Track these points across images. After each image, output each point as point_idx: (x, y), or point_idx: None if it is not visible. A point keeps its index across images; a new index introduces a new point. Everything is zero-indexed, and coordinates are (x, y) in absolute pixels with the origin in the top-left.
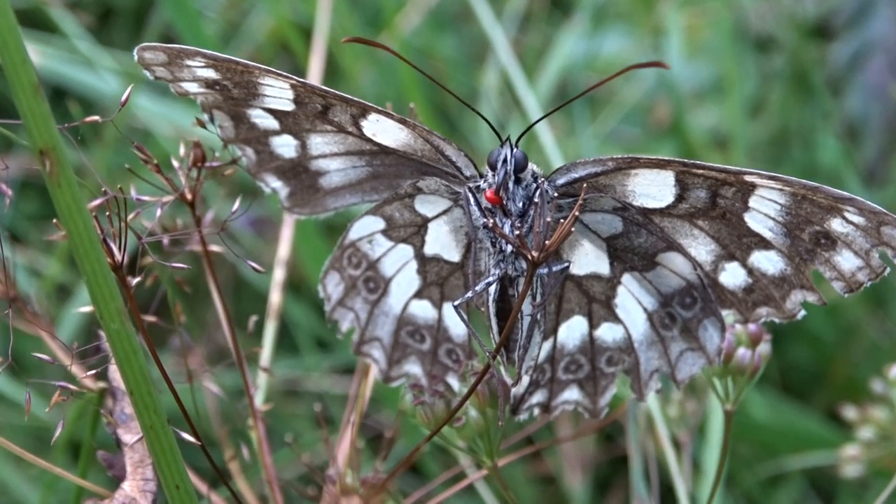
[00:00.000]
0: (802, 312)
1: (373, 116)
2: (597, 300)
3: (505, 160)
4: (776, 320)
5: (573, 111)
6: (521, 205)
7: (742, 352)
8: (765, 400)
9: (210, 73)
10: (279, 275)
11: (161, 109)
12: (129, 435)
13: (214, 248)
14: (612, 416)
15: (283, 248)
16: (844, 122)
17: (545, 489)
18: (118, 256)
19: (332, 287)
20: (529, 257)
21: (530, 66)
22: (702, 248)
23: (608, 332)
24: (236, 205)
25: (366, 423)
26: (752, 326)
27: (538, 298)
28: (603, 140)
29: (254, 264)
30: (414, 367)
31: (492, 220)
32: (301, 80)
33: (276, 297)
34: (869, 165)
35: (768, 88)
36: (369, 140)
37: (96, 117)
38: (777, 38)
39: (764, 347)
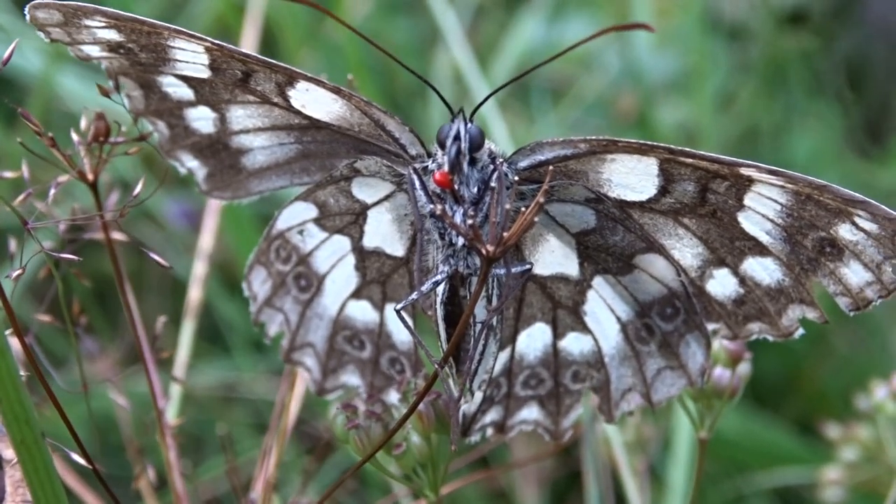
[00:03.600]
0: (800, 331)
1: (301, 85)
2: (563, 306)
3: (457, 136)
4: (770, 338)
5: (531, 101)
6: (475, 190)
7: (719, 372)
8: (733, 411)
9: (112, 35)
10: (200, 269)
11: (89, 92)
12: (11, 451)
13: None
14: (572, 437)
15: (206, 239)
16: (840, 67)
17: None
18: None
19: (259, 284)
20: (484, 252)
21: (487, 57)
22: (687, 250)
23: (575, 344)
24: (139, 187)
25: (304, 429)
26: (731, 344)
27: (494, 301)
28: (564, 132)
29: (157, 257)
30: (352, 378)
31: (440, 208)
32: (217, 41)
33: (195, 294)
34: (871, 120)
35: (740, 80)
36: (298, 113)
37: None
38: (750, 26)
39: (744, 368)
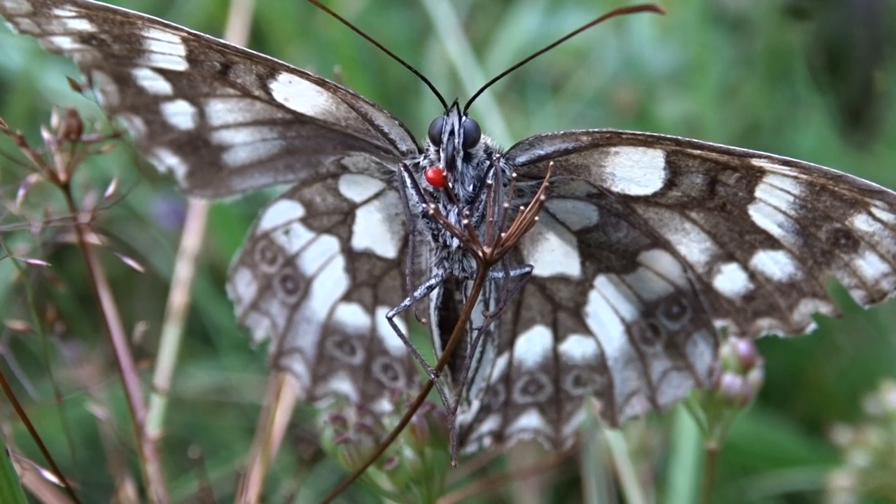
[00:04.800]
0: (812, 326)
1: (284, 77)
2: (563, 308)
3: (452, 131)
4: (780, 334)
5: (528, 94)
6: (470, 188)
7: (730, 379)
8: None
9: (84, 25)
10: (184, 271)
11: (72, 92)
12: None
13: (103, 239)
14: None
15: (192, 240)
16: (820, 49)
17: None
18: None
19: (244, 287)
20: (480, 254)
21: (483, 52)
22: (694, 245)
23: (576, 347)
24: (111, 188)
25: (295, 433)
26: (742, 347)
27: (491, 306)
28: (563, 126)
29: (130, 261)
30: (343, 385)
31: (433, 207)
32: (193, 31)
33: (179, 298)
34: (852, 103)
35: (743, 73)
36: (281, 106)
37: None
38: (752, 18)
39: (755, 375)
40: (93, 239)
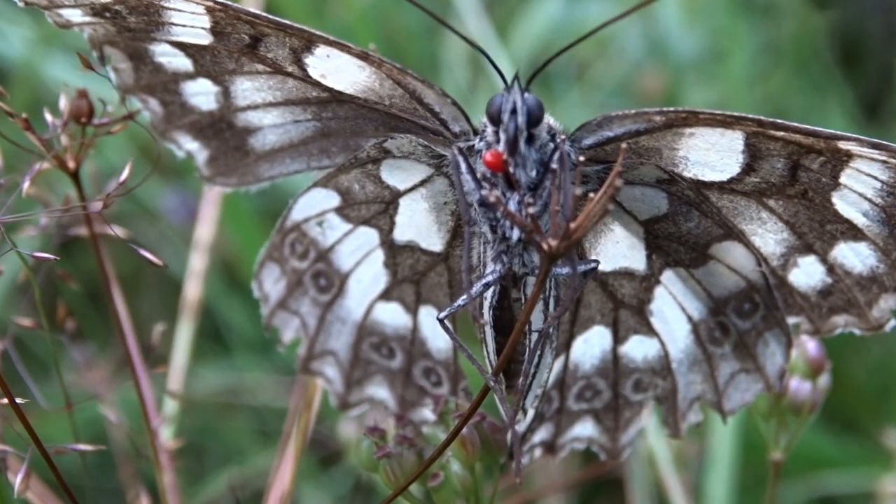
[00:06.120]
0: (893, 323)
1: (321, 51)
2: (626, 305)
3: (514, 109)
4: (857, 332)
5: (551, 82)
6: (533, 173)
7: (797, 384)
8: None
9: None
10: (198, 263)
11: (79, 80)
12: None
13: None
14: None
15: (205, 231)
16: (836, 38)
17: None
18: None
19: (271, 284)
20: (545, 247)
21: (503, 39)
22: (770, 236)
23: (638, 348)
24: (124, 174)
25: (315, 436)
26: (812, 349)
27: (551, 306)
28: (588, 113)
29: (149, 255)
30: (380, 391)
31: (493, 195)
32: (220, 0)
33: (193, 291)
34: (868, 95)
35: (771, 60)
36: (317, 84)
37: None
38: (779, 4)
39: (824, 380)
40: (105, 230)
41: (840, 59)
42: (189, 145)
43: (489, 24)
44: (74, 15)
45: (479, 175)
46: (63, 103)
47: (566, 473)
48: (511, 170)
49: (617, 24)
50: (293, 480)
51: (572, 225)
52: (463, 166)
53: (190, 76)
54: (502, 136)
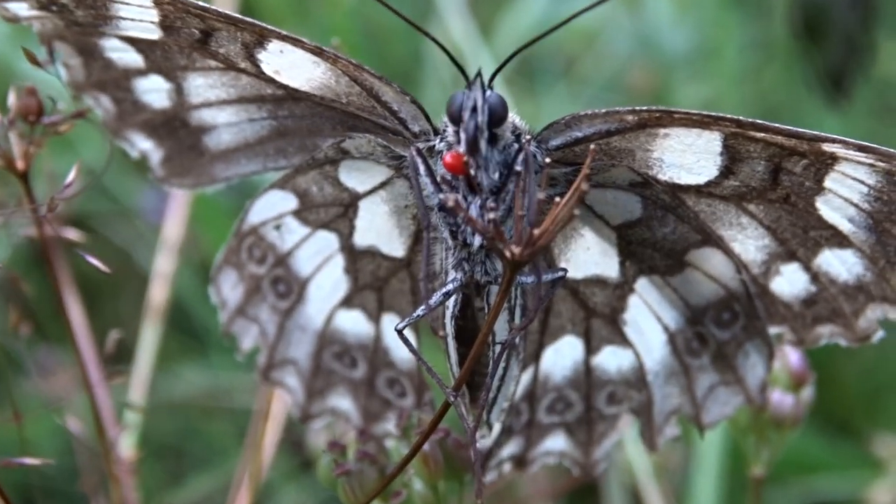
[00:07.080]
0: (880, 334)
1: (274, 45)
2: (598, 314)
3: (475, 108)
4: (842, 342)
5: (537, 77)
6: (496, 176)
7: (779, 396)
8: None
9: None
10: (165, 265)
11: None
12: None
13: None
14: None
15: (174, 231)
16: (798, 10)
17: None
18: None
19: (229, 289)
20: (508, 255)
21: (486, 37)
22: (750, 242)
23: (611, 359)
24: (71, 175)
25: (291, 439)
26: (794, 360)
27: (517, 316)
28: (575, 109)
29: (94, 260)
30: (342, 402)
31: (453, 198)
32: None
33: (159, 293)
34: (833, 72)
35: (763, 55)
36: (271, 80)
37: None
38: None
39: (807, 392)
40: (50, 232)
41: (802, 32)
42: (143, 144)
43: (473, 22)
44: (21, 9)
45: (438, 177)
46: (11, 100)
47: (540, 484)
48: (472, 172)
49: (606, 19)
50: (258, 482)
51: (537, 231)
52: (422, 168)
53: (141, 72)
54: (462, 136)
